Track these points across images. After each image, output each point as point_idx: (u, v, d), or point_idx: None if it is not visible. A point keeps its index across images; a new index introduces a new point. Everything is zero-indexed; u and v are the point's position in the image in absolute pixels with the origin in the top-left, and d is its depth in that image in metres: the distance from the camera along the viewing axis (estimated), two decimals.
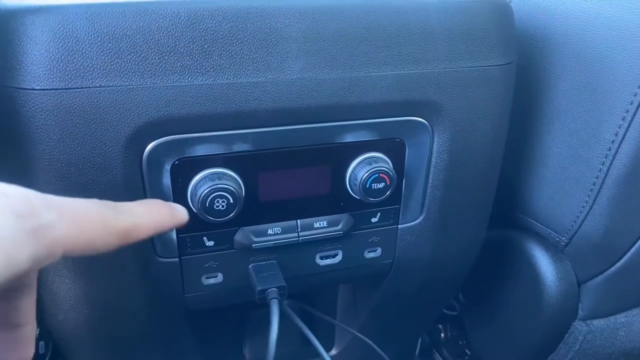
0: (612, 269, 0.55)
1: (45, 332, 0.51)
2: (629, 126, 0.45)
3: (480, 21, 0.43)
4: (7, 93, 0.35)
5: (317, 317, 0.58)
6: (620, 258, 0.54)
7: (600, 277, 0.56)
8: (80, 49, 0.34)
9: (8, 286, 0.22)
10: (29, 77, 0.34)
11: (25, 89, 0.35)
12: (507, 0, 0.55)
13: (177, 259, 0.43)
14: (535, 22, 0.52)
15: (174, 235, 0.42)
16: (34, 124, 0.35)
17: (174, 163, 0.39)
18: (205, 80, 0.37)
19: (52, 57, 0.34)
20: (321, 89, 0.40)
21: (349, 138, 0.43)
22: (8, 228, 0.21)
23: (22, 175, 0.38)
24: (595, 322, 0.60)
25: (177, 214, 0.33)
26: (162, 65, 0.36)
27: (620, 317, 0.60)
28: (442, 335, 0.81)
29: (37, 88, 0.35)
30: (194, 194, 0.40)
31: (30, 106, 0.35)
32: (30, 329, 0.27)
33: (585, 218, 0.51)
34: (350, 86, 0.41)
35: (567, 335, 0.61)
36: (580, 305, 0.59)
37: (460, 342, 0.80)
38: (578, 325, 0.60)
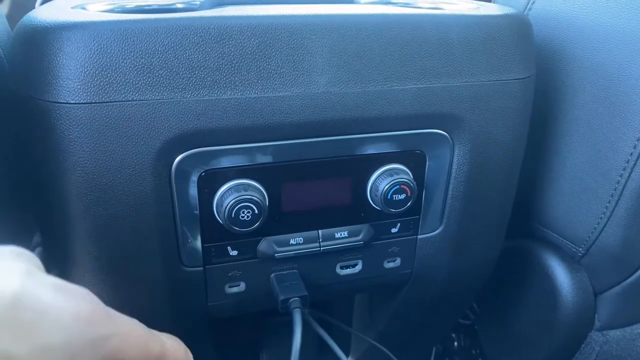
0: (629, 280, 0.55)
1: None
2: None
3: (499, 35, 0.44)
4: (43, 106, 0.36)
5: (334, 326, 0.59)
6: (638, 269, 0.54)
7: (617, 288, 0.57)
8: (114, 64, 0.36)
9: None
10: (64, 91, 0.35)
11: (60, 102, 0.36)
12: (525, 13, 0.55)
13: (201, 268, 0.44)
14: (553, 35, 0.53)
15: (199, 244, 0.43)
16: (68, 136, 0.36)
17: (200, 174, 0.40)
18: (234, 94, 0.38)
19: (87, 72, 0.35)
20: (345, 102, 0.41)
21: (371, 150, 0.44)
22: (77, 334, 0.21)
23: (55, 186, 0.39)
24: (612, 332, 0.60)
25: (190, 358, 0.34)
26: (192, 80, 0.37)
27: (637, 328, 0.60)
28: (456, 344, 0.81)
29: (71, 102, 0.36)
30: (219, 204, 0.41)
31: (65, 119, 0.36)
32: None
33: (602, 229, 0.52)
34: (373, 100, 0.41)
35: (583, 345, 0.61)
36: (596, 315, 0.59)
37: (474, 351, 0.80)
38: (594, 336, 0.60)
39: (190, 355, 0.34)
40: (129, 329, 0.26)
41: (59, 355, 0.20)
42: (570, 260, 0.58)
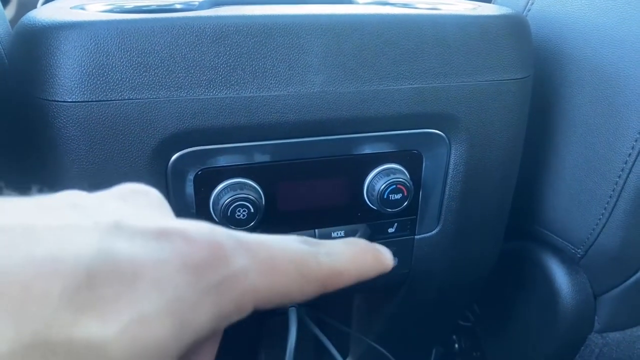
0: (629, 281, 0.55)
1: None
2: None
3: (497, 36, 0.44)
4: (41, 105, 0.36)
5: (333, 326, 0.59)
6: (637, 271, 0.54)
7: (616, 290, 0.56)
8: (110, 63, 0.36)
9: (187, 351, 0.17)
10: (61, 90, 0.36)
11: (58, 101, 0.36)
12: (524, 14, 0.55)
13: None
14: (552, 36, 0.53)
15: None
16: (64, 134, 0.37)
17: (197, 173, 0.40)
18: (230, 93, 0.38)
19: (84, 71, 0.36)
20: (341, 102, 0.41)
21: (367, 150, 0.44)
22: (187, 287, 0.16)
23: (52, 184, 0.39)
24: (612, 334, 0.59)
25: (384, 258, 0.24)
26: (188, 79, 0.37)
27: (637, 330, 0.60)
28: (456, 345, 0.81)
29: (68, 100, 0.36)
30: (216, 203, 0.41)
31: (62, 118, 0.36)
32: None
33: (601, 231, 0.51)
34: (369, 99, 0.41)
35: (583, 347, 0.61)
36: (596, 317, 0.59)
37: (475, 353, 0.79)
38: (594, 338, 0.60)
39: (387, 260, 0.23)
40: (273, 255, 0.19)
41: (164, 321, 0.16)
42: (570, 262, 0.58)
